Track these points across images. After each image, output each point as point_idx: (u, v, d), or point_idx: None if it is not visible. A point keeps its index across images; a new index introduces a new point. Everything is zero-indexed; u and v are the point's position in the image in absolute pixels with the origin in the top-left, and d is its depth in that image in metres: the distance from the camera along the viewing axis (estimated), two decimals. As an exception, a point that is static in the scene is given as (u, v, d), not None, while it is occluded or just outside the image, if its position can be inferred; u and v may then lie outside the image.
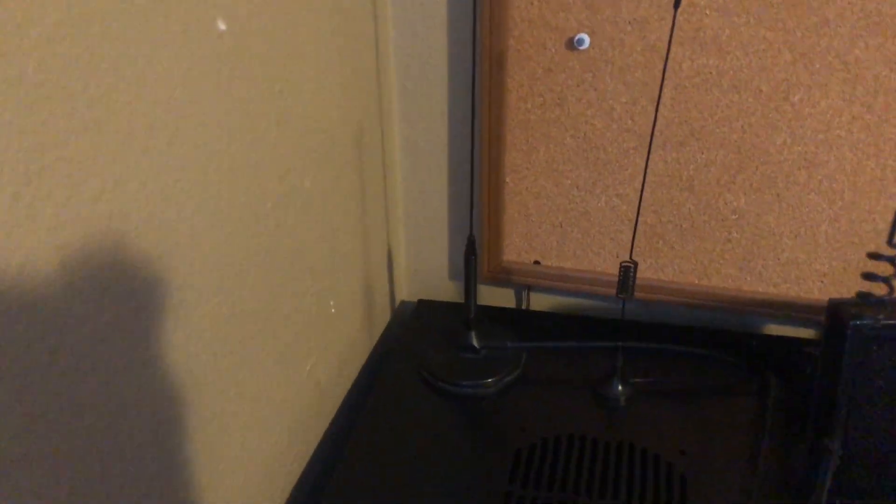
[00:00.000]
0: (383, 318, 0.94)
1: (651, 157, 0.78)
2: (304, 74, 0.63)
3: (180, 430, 0.50)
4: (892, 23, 0.69)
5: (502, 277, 0.92)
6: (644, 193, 0.80)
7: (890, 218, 0.76)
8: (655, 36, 0.74)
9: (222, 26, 0.50)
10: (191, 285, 0.50)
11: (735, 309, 0.86)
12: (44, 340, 0.38)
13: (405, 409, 0.76)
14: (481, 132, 0.82)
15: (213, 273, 0.52)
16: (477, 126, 0.82)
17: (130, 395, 0.45)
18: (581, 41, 0.76)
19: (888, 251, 0.35)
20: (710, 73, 0.74)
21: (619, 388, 0.76)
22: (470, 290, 0.79)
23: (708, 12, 0.72)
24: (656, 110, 0.73)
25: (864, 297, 0.37)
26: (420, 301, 0.96)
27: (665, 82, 0.75)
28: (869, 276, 0.36)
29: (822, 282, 0.82)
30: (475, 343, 0.81)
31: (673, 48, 0.74)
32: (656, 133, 0.77)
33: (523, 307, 0.96)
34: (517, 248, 0.90)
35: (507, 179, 0.86)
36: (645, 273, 0.87)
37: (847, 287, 0.81)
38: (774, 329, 0.88)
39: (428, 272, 0.98)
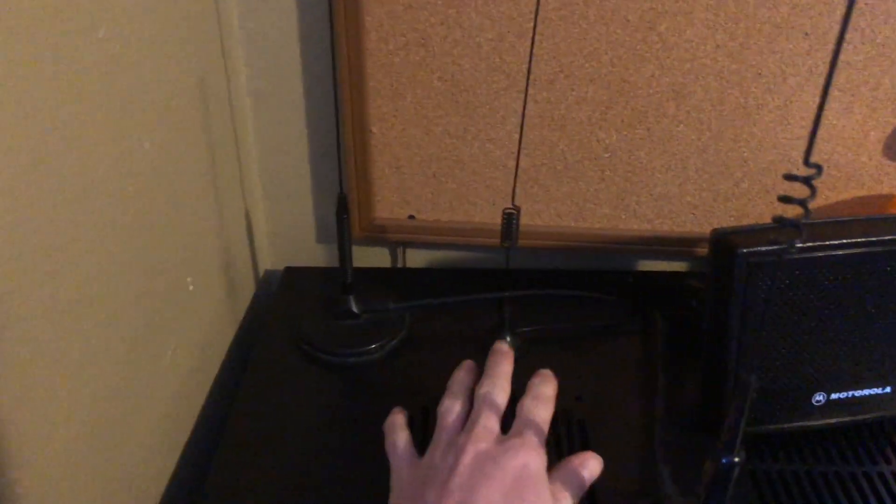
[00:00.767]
0: (248, 290, 0.86)
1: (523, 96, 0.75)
2: (132, 17, 0.53)
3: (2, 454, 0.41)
4: (750, -53, 0.68)
5: (376, 236, 0.86)
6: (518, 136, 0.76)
7: (754, 146, 0.78)
8: (520, -34, 0.70)
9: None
10: (8, 275, 0.40)
11: (614, 249, 0.86)
12: None
13: (285, 387, 0.70)
14: (340, 77, 0.75)
15: (39, 258, 0.43)
16: (336, 71, 0.75)
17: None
18: (442, -27, 0.70)
19: (804, 171, 0.33)
20: (577, 3, 0.71)
21: (508, 339, 0.73)
22: (344, 251, 0.72)
23: (572, -61, 0.68)
24: (532, 45, 0.69)
25: (779, 221, 0.35)
26: (287, 269, 0.88)
27: (530, 15, 0.71)
28: (785, 199, 0.34)
29: (693, 214, 0.83)
30: (354, 308, 0.75)
31: (539, -22, 0.70)
32: (525, 72, 0.74)
33: (399, 266, 0.91)
34: (389, 204, 0.84)
35: (374, 129, 0.79)
36: (522, 219, 0.84)
37: (717, 218, 0.83)
38: (651, 265, 0.89)
39: (292, 236, 0.90)
